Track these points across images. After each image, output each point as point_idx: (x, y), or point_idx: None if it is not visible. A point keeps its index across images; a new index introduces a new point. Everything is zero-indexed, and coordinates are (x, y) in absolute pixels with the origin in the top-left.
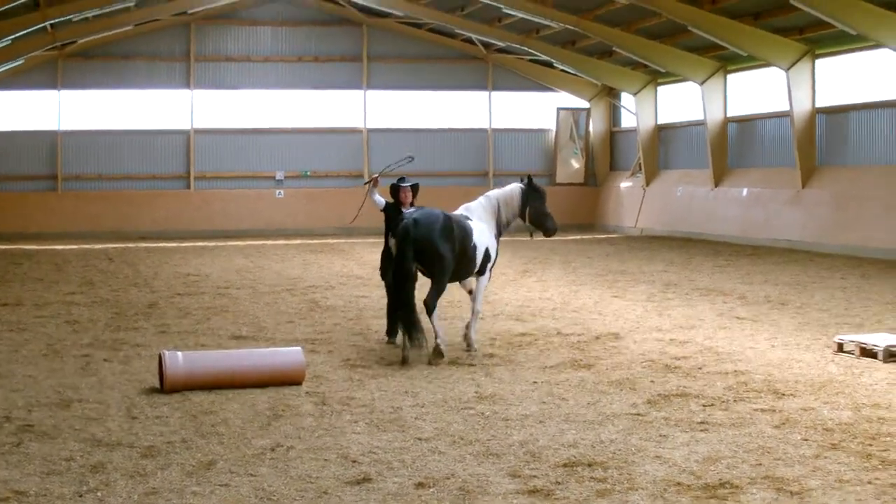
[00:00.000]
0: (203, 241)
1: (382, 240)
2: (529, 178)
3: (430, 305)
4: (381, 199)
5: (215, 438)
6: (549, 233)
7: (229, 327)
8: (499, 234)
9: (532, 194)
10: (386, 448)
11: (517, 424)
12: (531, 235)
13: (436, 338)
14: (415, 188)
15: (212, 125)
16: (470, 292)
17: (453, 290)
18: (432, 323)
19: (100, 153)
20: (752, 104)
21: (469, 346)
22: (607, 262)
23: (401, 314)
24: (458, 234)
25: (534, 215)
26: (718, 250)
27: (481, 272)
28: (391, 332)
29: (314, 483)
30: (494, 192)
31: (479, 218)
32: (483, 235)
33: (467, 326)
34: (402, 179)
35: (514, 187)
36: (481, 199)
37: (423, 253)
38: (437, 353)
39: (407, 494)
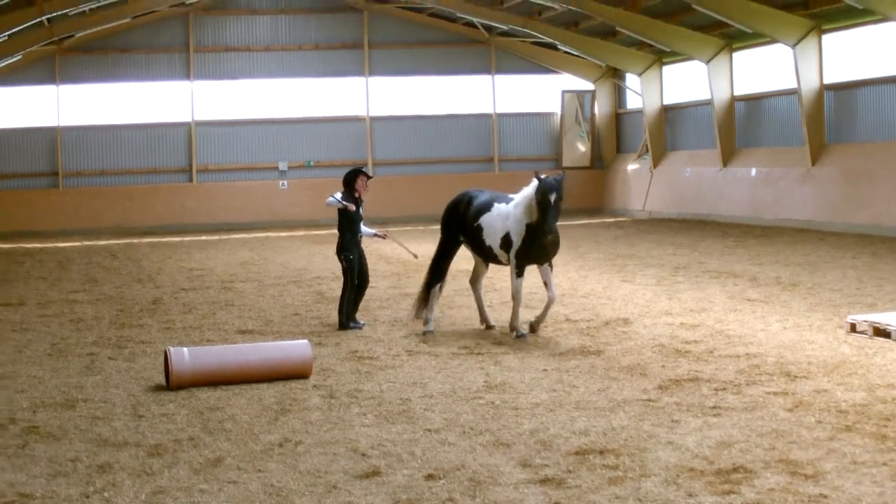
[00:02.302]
0: (206, 234)
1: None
2: (537, 174)
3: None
4: (334, 200)
5: (223, 435)
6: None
7: (235, 321)
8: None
9: (538, 196)
10: (395, 440)
11: (527, 413)
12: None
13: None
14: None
15: (213, 117)
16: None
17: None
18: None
19: (100, 148)
20: (759, 82)
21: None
22: (616, 245)
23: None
24: (466, 214)
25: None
26: (728, 231)
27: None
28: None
29: (323, 477)
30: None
31: (517, 203)
32: (504, 220)
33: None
34: (363, 167)
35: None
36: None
37: None
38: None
39: (417, 487)
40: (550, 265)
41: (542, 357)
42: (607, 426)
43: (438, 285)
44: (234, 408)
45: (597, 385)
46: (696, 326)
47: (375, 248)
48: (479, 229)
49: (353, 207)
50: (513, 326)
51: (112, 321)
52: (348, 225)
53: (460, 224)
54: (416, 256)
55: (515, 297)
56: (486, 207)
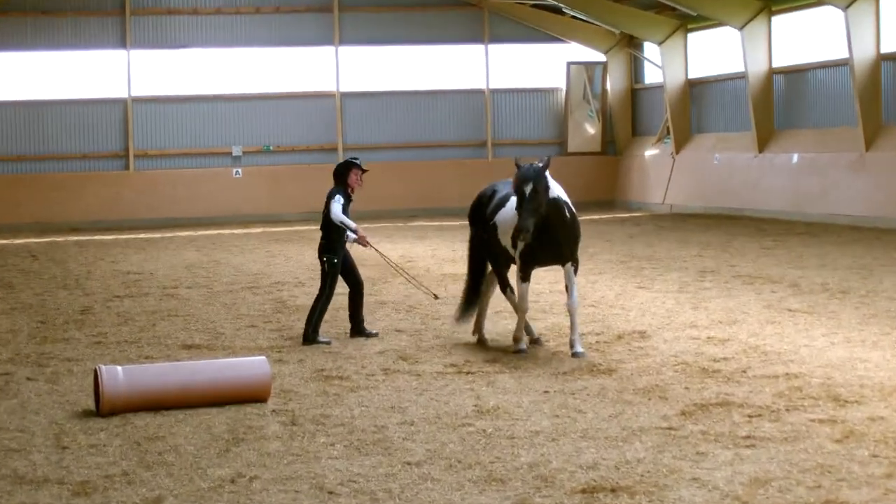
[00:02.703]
0: (146, 231)
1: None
2: (516, 162)
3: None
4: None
5: (163, 469)
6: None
7: (179, 335)
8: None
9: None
10: (368, 475)
11: (525, 443)
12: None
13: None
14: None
15: (154, 92)
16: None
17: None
18: None
19: (19, 129)
20: (802, 52)
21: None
22: (631, 245)
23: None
24: (486, 210)
25: None
26: (764, 229)
27: None
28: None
29: None
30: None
31: None
32: (515, 217)
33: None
34: (355, 158)
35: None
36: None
37: None
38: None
39: None
40: (574, 266)
41: (543, 377)
42: (620, 459)
43: (508, 289)
44: (177, 437)
45: (608, 410)
46: (726, 341)
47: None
48: (495, 228)
49: (367, 243)
50: (515, 337)
51: (31, 335)
52: (336, 224)
53: (481, 222)
54: (436, 297)
55: (520, 304)
56: (503, 203)
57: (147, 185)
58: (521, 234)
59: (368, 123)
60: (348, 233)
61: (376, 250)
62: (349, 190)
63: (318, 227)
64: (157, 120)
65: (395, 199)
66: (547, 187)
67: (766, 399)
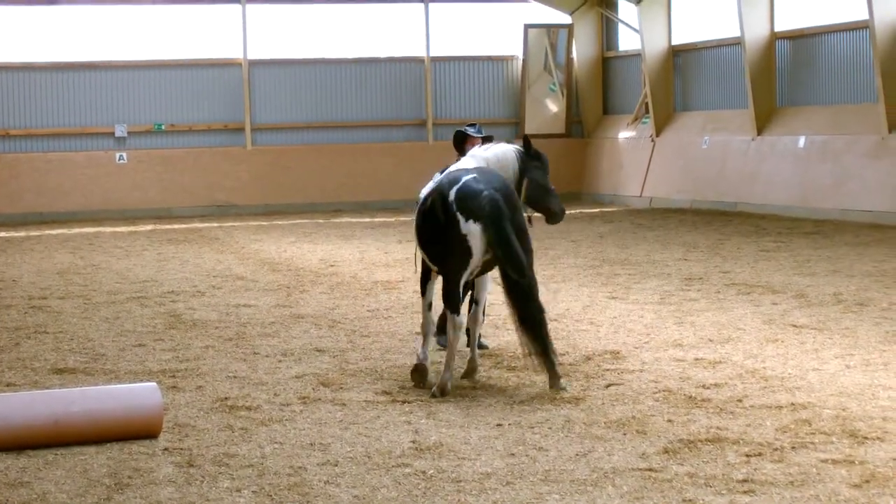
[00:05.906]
0: (7, 229)
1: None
2: (526, 138)
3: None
4: None
5: None
6: (554, 218)
7: (49, 356)
8: None
9: (530, 162)
10: None
11: (474, 488)
12: (529, 220)
13: None
14: (487, 140)
15: (15, 58)
16: None
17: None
18: None
19: None
20: (811, 13)
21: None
22: (602, 247)
23: None
24: None
25: (532, 191)
26: (764, 227)
27: None
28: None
29: None
30: (482, 153)
31: None
32: None
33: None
34: (472, 125)
35: (507, 150)
36: (466, 159)
37: None
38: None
39: None
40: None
41: (496, 407)
42: None
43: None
44: (45, 483)
45: (574, 448)
46: (717, 364)
47: (255, 248)
48: None
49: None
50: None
51: None
52: None
53: None
54: None
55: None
56: None
57: (8, 173)
58: None
59: (282, 98)
60: None
61: None
62: None
63: None
64: (20, 92)
65: (314, 190)
66: None
67: (768, 434)
